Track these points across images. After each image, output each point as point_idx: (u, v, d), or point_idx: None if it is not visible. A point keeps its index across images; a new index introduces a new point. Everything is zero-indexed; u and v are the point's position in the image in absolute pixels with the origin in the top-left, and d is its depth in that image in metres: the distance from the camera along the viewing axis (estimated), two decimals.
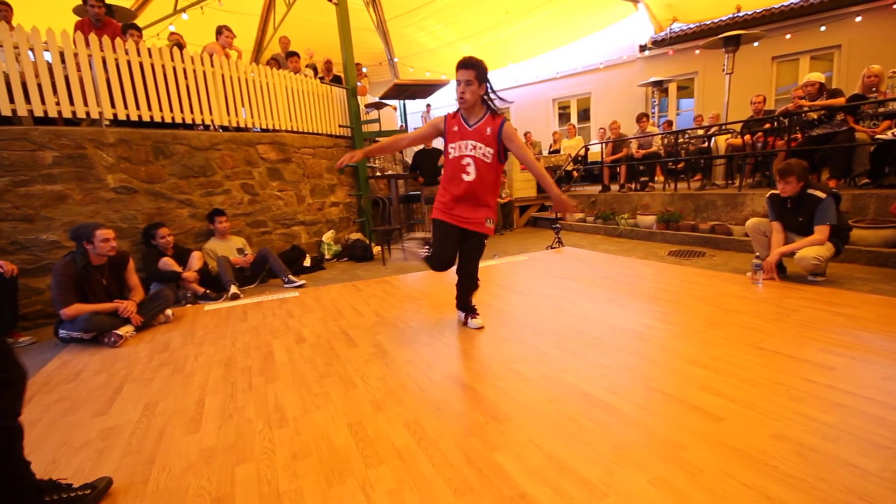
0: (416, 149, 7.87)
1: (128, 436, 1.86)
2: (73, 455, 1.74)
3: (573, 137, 9.85)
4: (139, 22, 6.78)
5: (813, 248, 3.29)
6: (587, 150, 9.05)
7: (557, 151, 9.55)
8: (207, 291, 4.20)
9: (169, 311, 3.58)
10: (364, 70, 9.35)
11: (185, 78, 4.65)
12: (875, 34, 7.89)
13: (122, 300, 3.28)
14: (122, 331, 3.13)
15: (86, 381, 2.50)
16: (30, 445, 1.79)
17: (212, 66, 4.84)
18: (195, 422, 1.94)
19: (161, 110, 4.50)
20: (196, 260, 4.24)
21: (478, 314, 2.96)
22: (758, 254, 3.67)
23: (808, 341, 2.33)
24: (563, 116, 12.76)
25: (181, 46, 5.19)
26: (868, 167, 4.64)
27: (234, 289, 4.20)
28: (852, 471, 1.35)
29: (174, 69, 4.57)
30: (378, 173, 7.07)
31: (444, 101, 14.34)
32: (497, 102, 2.58)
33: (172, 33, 5.87)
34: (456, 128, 2.61)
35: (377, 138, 7.44)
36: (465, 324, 2.97)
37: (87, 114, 4.09)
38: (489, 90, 2.53)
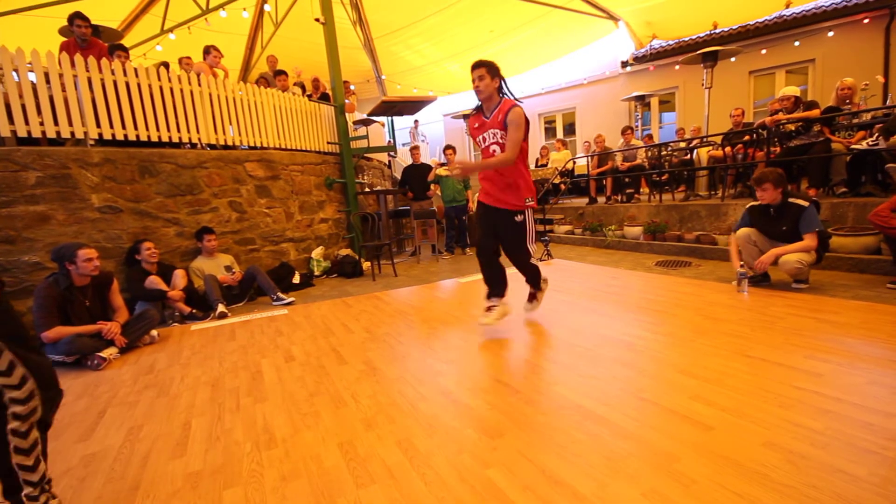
0: (404, 164, 7.93)
1: (111, 461, 1.81)
2: (53, 483, 1.68)
3: (560, 151, 10.00)
4: (126, 42, 6.80)
5: (796, 253, 3.37)
6: (574, 163, 9.19)
7: (545, 165, 9.68)
8: (194, 311, 4.14)
9: (154, 332, 3.52)
10: (352, 87, 9.45)
11: (172, 97, 4.65)
12: (847, 48, 8.19)
13: (106, 321, 3.22)
14: (105, 353, 3.06)
15: (67, 405, 2.42)
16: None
17: (199, 84, 4.85)
18: (181, 445, 1.89)
19: (147, 129, 4.48)
20: (179, 278, 4.18)
21: (535, 300, 3.28)
22: (742, 262, 3.73)
23: (794, 348, 2.36)
24: (550, 130, 12.96)
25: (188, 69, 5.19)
26: (845, 176, 4.78)
27: (221, 308, 4.14)
28: (842, 477, 1.36)
29: (161, 88, 4.57)
30: (367, 189, 7.08)
31: (432, 117, 14.53)
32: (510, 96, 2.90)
33: (185, 58, 5.90)
34: (477, 124, 2.96)
35: (367, 155, 7.49)
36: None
37: (72, 134, 4.05)
38: (503, 85, 2.87)
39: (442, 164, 7.20)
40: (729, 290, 3.65)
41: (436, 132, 15.06)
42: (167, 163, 4.52)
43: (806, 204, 3.38)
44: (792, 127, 5.12)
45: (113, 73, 4.26)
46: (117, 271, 4.01)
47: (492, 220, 2.98)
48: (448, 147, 7.23)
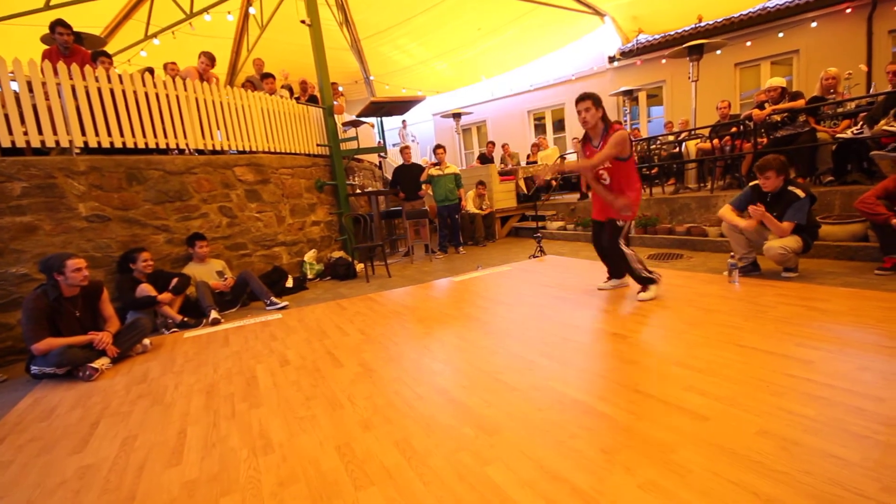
0: (395, 165, 7.91)
1: (106, 473, 1.79)
2: (48, 497, 1.66)
3: (546, 149, 10.03)
4: (109, 48, 6.73)
5: (779, 240, 3.42)
6: (563, 158, 9.21)
7: (535, 163, 9.70)
8: (186, 318, 4.10)
9: (146, 341, 3.48)
10: (340, 89, 9.41)
11: (158, 103, 4.60)
12: (830, 38, 8.28)
13: (97, 332, 3.18)
14: (97, 363, 3.03)
15: (60, 417, 2.40)
16: (1, 489, 1.72)
17: (185, 89, 4.81)
18: (176, 454, 1.87)
19: (133, 136, 4.42)
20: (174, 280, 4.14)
21: (647, 289, 3.35)
22: (732, 253, 3.77)
23: (785, 336, 2.39)
24: (539, 127, 12.99)
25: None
26: (831, 165, 4.84)
27: (214, 314, 4.11)
28: (835, 462, 1.38)
29: (146, 94, 4.52)
30: (358, 190, 7.06)
31: (422, 117, 14.52)
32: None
33: (170, 63, 5.90)
34: (587, 153, 3.40)
35: (357, 157, 7.47)
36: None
37: (57, 142, 4.00)
38: (604, 114, 3.29)
39: (435, 164, 7.18)
40: (720, 280, 3.68)
41: (426, 132, 15.05)
42: (155, 169, 4.48)
43: (802, 195, 3.39)
44: (778, 118, 5.17)
45: (97, 80, 4.20)
46: (107, 280, 3.97)
47: (599, 227, 3.55)
48: (438, 146, 7.23)
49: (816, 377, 1.91)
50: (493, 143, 10.39)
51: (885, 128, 4.16)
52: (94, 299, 3.30)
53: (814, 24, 8.41)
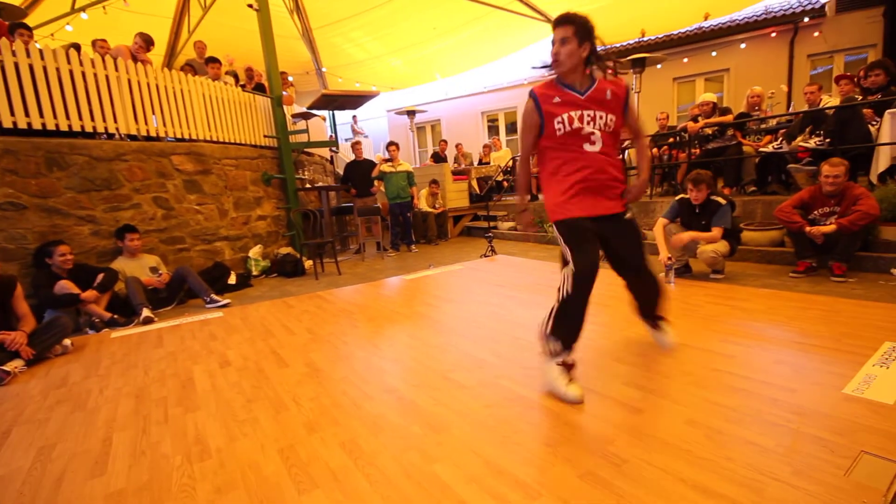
0: (347, 160, 7.75)
1: (19, 485, 1.63)
2: None
3: (500, 150, 10.21)
4: (30, 21, 6.11)
5: (711, 245, 3.72)
6: (515, 161, 9.41)
7: (488, 163, 9.84)
8: (115, 316, 3.81)
9: (67, 341, 3.19)
10: (290, 79, 9.07)
11: (85, 82, 4.22)
12: (756, 59, 9.02)
13: (9, 331, 2.88)
14: (9, 366, 2.74)
15: None
16: None
17: (116, 69, 4.45)
18: (100, 463, 1.73)
19: (56, 117, 4.04)
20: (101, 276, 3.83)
21: (663, 325, 2.34)
22: (669, 255, 4.00)
23: (711, 333, 2.58)
24: (493, 129, 13.20)
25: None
26: (754, 177, 5.27)
27: (146, 312, 3.84)
28: (753, 448, 1.50)
29: (70, 72, 4.14)
30: (308, 185, 6.85)
31: (375, 113, 14.33)
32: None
33: (99, 41, 5.45)
34: (557, 98, 2.04)
35: (308, 150, 7.25)
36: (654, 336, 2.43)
37: None
38: (593, 53, 2.04)
39: (386, 161, 7.10)
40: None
41: (379, 128, 14.87)
42: (79, 154, 4.11)
43: (724, 202, 3.73)
44: (709, 131, 5.56)
45: (14, 55, 3.80)
46: (21, 275, 3.60)
47: (595, 230, 2.06)
48: (391, 143, 7.16)
49: (738, 370, 2.08)
50: (445, 142, 10.45)
51: (802, 143, 4.59)
52: (6, 295, 2.99)
53: (743, 46, 9.12)
